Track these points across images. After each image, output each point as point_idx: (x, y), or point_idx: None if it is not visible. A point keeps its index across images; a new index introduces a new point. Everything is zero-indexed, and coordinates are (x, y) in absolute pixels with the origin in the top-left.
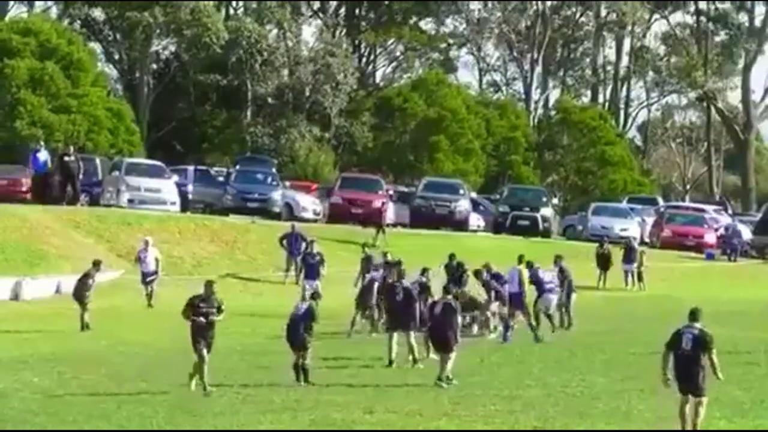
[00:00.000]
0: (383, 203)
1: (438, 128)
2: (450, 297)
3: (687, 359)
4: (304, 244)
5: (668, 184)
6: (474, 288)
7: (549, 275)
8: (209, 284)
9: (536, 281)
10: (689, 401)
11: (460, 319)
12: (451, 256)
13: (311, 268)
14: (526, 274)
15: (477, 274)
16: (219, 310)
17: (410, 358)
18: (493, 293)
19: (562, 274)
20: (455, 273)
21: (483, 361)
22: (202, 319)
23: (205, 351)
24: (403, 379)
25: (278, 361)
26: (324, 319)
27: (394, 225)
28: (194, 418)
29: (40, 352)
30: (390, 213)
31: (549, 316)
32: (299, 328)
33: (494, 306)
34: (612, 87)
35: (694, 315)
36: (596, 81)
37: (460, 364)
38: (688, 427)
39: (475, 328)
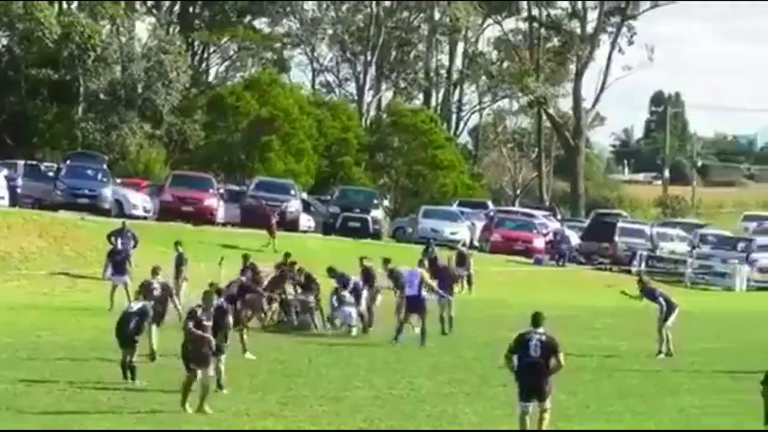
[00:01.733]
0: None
1: (270, 128)
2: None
3: (535, 366)
4: (133, 242)
5: (499, 189)
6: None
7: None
8: (209, 294)
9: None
10: (531, 407)
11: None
12: (308, 276)
13: (119, 265)
14: (426, 276)
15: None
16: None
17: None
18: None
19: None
20: (307, 283)
21: (311, 361)
22: (209, 336)
23: (203, 373)
24: (231, 380)
25: (106, 358)
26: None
27: (224, 224)
28: (19, 416)
29: None
30: (220, 212)
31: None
32: (129, 326)
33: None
34: (444, 90)
35: (536, 320)
36: (429, 84)
37: (288, 364)
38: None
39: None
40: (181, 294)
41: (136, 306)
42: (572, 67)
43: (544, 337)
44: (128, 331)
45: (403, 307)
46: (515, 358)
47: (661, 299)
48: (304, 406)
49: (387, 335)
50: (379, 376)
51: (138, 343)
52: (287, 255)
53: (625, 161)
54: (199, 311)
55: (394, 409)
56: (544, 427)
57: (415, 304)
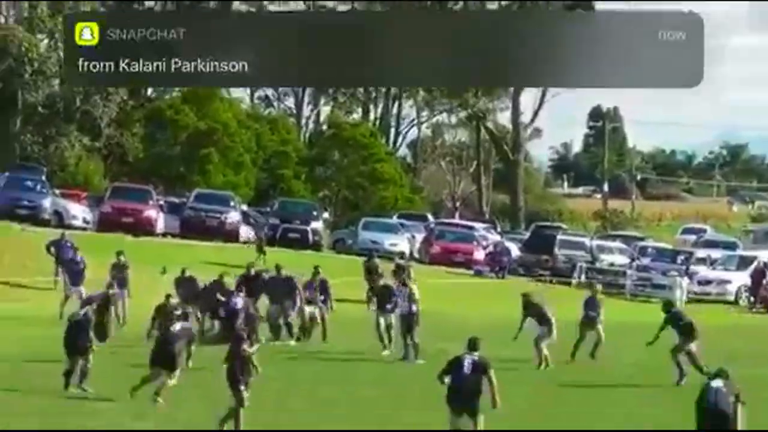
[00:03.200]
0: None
1: (209, 141)
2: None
3: (468, 382)
4: (71, 252)
5: (439, 202)
6: None
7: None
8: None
9: None
10: (462, 423)
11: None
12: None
13: (78, 275)
14: (415, 290)
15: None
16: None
17: None
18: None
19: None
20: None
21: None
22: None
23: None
24: (181, 391)
25: (36, 367)
26: None
27: (164, 235)
28: None
29: None
30: (160, 223)
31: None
32: (78, 335)
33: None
34: (383, 105)
35: (473, 344)
36: (367, 99)
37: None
38: None
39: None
40: (121, 303)
41: (82, 313)
42: None
43: (476, 357)
44: (78, 340)
45: (401, 325)
46: (448, 378)
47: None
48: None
49: (328, 347)
50: (324, 388)
51: (90, 351)
52: (317, 268)
53: (564, 175)
54: None
55: (338, 421)
56: None
57: (410, 321)
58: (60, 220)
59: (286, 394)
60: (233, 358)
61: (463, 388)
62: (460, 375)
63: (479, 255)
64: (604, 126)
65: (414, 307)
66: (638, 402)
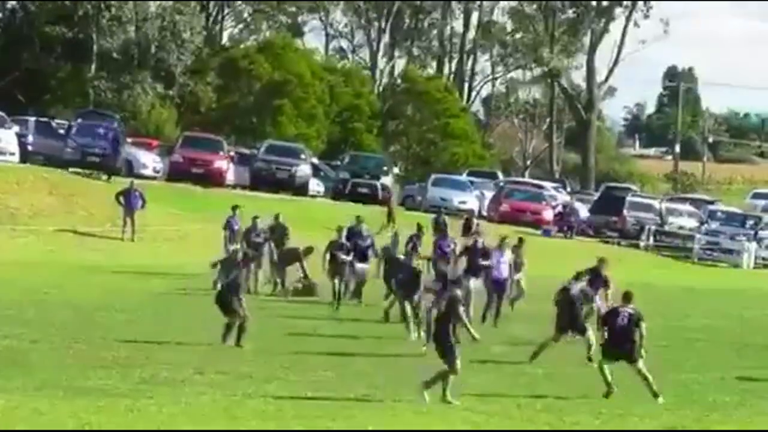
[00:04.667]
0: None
1: (282, 92)
2: None
3: (623, 331)
4: (140, 202)
5: (509, 159)
6: None
7: None
8: None
9: None
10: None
11: None
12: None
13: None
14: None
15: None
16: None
17: None
18: None
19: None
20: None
21: (316, 330)
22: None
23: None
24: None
25: (110, 316)
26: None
27: (234, 186)
28: (25, 372)
29: None
30: (230, 174)
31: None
32: (230, 295)
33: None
34: (458, 59)
35: (627, 297)
36: (442, 53)
37: (294, 327)
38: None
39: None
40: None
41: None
42: (586, 39)
43: (631, 310)
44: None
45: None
46: (605, 328)
47: None
48: (308, 370)
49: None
50: (385, 347)
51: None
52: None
53: (636, 135)
54: None
55: (398, 377)
56: (650, 379)
57: (502, 288)
58: (130, 168)
59: (352, 347)
60: (447, 320)
61: (619, 337)
62: (615, 325)
63: (548, 215)
64: (678, 87)
65: (508, 273)
66: (703, 368)
